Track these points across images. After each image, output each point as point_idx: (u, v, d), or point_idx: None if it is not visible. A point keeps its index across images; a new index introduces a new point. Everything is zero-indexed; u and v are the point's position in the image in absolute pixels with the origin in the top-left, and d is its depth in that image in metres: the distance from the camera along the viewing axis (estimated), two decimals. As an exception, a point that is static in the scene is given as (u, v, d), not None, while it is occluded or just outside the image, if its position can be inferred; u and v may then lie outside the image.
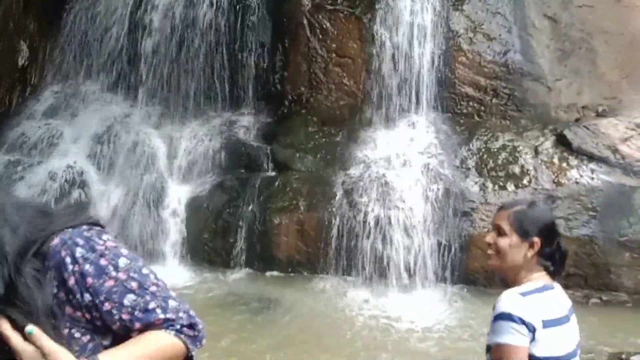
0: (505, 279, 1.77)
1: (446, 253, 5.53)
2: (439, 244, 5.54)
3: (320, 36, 6.93)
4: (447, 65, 6.65)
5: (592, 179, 5.81)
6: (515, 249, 1.73)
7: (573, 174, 5.86)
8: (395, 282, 5.38)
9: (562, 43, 6.71)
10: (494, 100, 6.59)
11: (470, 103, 6.62)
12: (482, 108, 6.58)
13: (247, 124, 6.80)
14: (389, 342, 4.44)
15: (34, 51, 7.32)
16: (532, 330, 1.57)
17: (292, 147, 6.51)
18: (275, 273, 5.65)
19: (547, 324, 1.60)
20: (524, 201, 1.96)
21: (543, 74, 6.57)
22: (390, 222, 5.55)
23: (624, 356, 4.17)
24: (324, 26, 6.94)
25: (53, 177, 6.14)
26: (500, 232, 1.77)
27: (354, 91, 6.87)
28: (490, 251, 1.79)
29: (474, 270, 5.54)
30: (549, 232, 1.74)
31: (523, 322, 1.57)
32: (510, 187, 5.86)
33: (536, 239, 1.72)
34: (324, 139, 6.57)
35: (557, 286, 1.73)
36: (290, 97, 7.01)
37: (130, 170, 6.17)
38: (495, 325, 1.60)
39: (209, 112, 6.95)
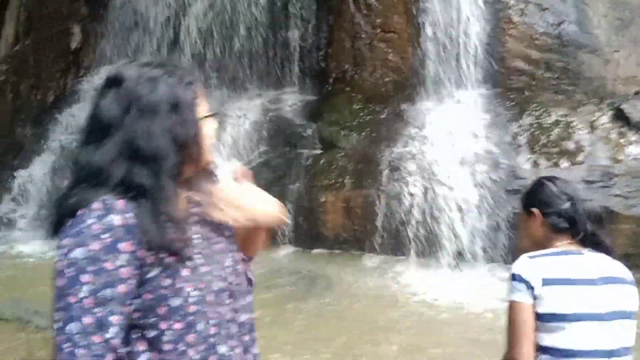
0: None
1: (496, 232, 5.41)
2: (489, 222, 5.42)
3: (365, 11, 6.82)
4: (497, 39, 6.44)
5: (652, 155, 5.55)
6: (525, 225, 1.85)
7: (631, 150, 5.60)
8: (443, 261, 5.31)
9: (621, 12, 6.37)
10: (547, 74, 6.34)
11: (521, 77, 6.40)
12: (534, 82, 6.35)
13: (291, 102, 6.80)
14: (436, 323, 4.40)
15: (85, 35, 7.51)
16: (530, 287, 1.64)
17: (337, 124, 6.48)
18: (321, 250, 5.68)
19: (548, 282, 1.64)
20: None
21: (599, 45, 6.27)
22: (438, 200, 5.46)
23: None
24: (369, 1, 6.81)
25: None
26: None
27: (400, 67, 6.75)
28: None
29: (524, 250, 5.40)
30: (548, 199, 1.79)
31: (522, 279, 1.65)
32: (564, 163, 5.66)
33: (534, 210, 1.79)
34: (369, 117, 6.50)
35: (588, 252, 1.74)
36: (334, 75, 6.95)
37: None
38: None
39: (253, 90, 6.99)
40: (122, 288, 1.08)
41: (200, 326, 1.16)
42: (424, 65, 6.51)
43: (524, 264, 1.69)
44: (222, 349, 1.19)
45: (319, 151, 6.33)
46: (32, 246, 5.67)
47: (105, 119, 1.14)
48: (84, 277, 1.06)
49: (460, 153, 5.77)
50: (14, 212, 6.20)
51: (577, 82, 6.27)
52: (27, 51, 7.42)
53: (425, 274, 5.15)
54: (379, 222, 5.53)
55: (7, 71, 7.39)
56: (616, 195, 5.40)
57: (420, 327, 4.32)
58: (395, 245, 5.49)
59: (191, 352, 1.14)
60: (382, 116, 6.43)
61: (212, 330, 1.17)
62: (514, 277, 1.67)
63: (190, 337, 1.14)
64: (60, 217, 1.11)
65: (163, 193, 1.12)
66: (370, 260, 5.39)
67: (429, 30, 6.51)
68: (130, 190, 1.11)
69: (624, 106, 5.85)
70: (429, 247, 5.40)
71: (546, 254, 1.72)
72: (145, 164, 1.12)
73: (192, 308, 1.15)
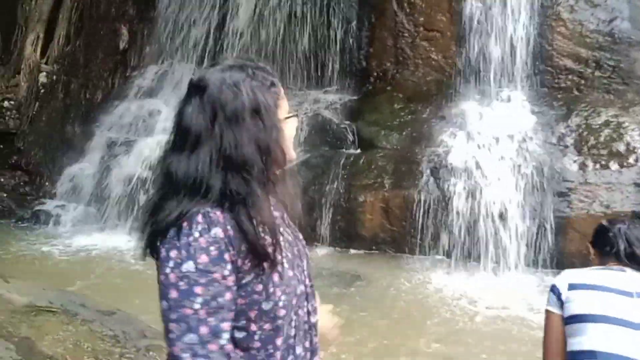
0: None
1: (540, 235, 5.25)
2: (532, 225, 5.27)
3: (408, 10, 6.73)
4: (544, 37, 6.25)
5: None
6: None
7: (688, 152, 5.34)
8: (484, 264, 5.20)
9: (678, 7, 6.07)
10: (597, 73, 6.11)
11: (570, 76, 6.19)
12: (583, 81, 6.13)
13: (331, 101, 6.79)
14: (475, 326, 4.31)
15: (133, 35, 7.71)
16: (557, 293, 1.69)
17: (377, 124, 6.43)
18: (359, 251, 5.66)
19: (574, 286, 1.67)
20: None
21: (655, 43, 5.99)
22: (480, 203, 5.35)
23: None
24: (412, 0, 6.73)
25: (151, 155, 6.48)
26: None
27: (442, 66, 6.64)
28: None
29: (570, 254, 5.23)
30: (597, 236, 1.93)
31: (553, 286, 1.72)
32: (614, 165, 5.44)
33: (590, 247, 1.96)
34: (410, 116, 6.43)
35: (631, 271, 1.77)
36: (375, 74, 6.90)
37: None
38: None
39: (294, 89, 7.01)
40: (228, 296, 1.13)
41: (286, 329, 1.20)
42: (467, 64, 6.39)
43: (561, 275, 1.74)
44: (298, 349, 1.24)
45: (358, 151, 6.30)
46: (80, 241, 5.89)
47: (193, 128, 1.16)
48: (197, 289, 1.10)
49: (504, 154, 5.63)
50: (62, 207, 6.45)
51: (628, 81, 6.02)
52: (77, 51, 7.70)
53: (465, 278, 5.06)
54: (418, 224, 5.46)
55: (59, 71, 7.68)
56: (670, 200, 5.17)
57: (456, 333, 4.24)
58: (435, 247, 5.42)
59: (278, 355, 1.19)
60: (424, 116, 6.34)
61: (292, 332, 1.22)
62: (551, 288, 1.74)
63: (278, 340, 1.19)
64: (160, 230, 1.15)
65: (255, 200, 1.15)
66: (408, 262, 5.33)
67: (473, 29, 6.37)
68: (225, 199, 1.14)
69: (680, 107, 5.58)
70: (470, 250, 5.30)
71: (586, 268, 1.78)
72: (237, 173, 1.14)
73: (282, 312, 1.18)
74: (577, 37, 6.15)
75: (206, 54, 7.27)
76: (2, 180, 6.98)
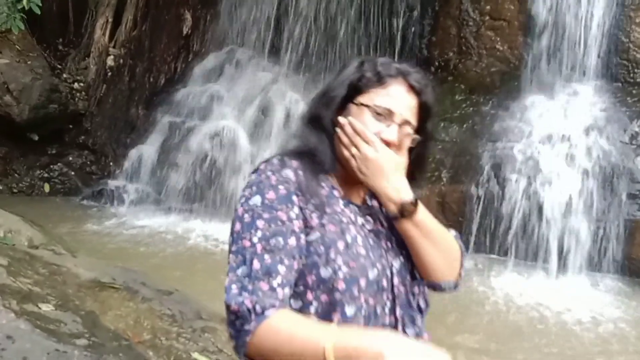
0: None
1: (605, 238, 5.00)
2: (598, 227, 5.02)
3: (474, -3, 6.52)
4: (621, 28, 5.89)
5: None
6: None
7: None
8: (544, 265, 5.00)
9: None
10: (677, 68, 5.72)
11: (647, 71, 5.83)
12: (661, 77, 5.76)
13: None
14: (533, 329, 4.17)
15: (196, 20, 7.85)
16: None
17: (437, 115, 6.26)
18: (413, 245, 5.56)
19: None
20: None
21: None
22: (542, 202, 5.13)
23: None
24: (479, -13, 6.50)
25: (211, 138, 6.61)
26: None
27: (508, 57, 6.39)
28: None
29: (637, 259, 4.96)
30: None
31: None
32: (691, 168, 5.10)
33: None
34: (471, 108, 6.24)
35: None
36: (437, 63, 6.73)
37: (279, 134, 6.42)
38: None
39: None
40: (292, 241, 1.10)
41: (349, 310, 1.11)
42: (535, 56, 6.12)
43: None
44: None
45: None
46: (141, 221, 6.10)
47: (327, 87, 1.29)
48: (259, 222, 1.10)
49: (570, 151, 5.38)
50: (125, 187, 6.69)
51: None
52: (143, 36, 7.92)
53: (523, 279, 4.89)
54: (475, 220, 5.31)
55: (125, 55, 7.93)
56: None
57: (514, 332, 4.12)
58: (492, 246, 5.25)
59: (364, 299, 1.13)
60: (486, 108, 6.14)
61: (362, 322, 1.13)
62: None
63: (335, 316, 1.10)
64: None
65: (324, 156, 1.20)
66: (465, 260, 5.18)
67: (543, 19, 6.09)
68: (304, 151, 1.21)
69: None
70: (529, 250, 5.11)
71: None
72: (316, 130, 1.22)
73: (341, 285, 1.11)
74: (657, 29, 5.78)
75: (268, 41, 7.31)
76: (70, 159, 7.31)
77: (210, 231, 5.59)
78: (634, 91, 5.79)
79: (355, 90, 1.25)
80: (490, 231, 5.26)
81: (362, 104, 1.23)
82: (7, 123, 6.73)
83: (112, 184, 6.74)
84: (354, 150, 1.20)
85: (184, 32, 7.96)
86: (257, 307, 1.02)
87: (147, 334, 2.64)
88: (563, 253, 4.99)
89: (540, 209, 5.12)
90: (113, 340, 2.32)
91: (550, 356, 3.78)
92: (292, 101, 6.61)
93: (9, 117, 6.71)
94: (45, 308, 2.37)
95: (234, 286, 1.05)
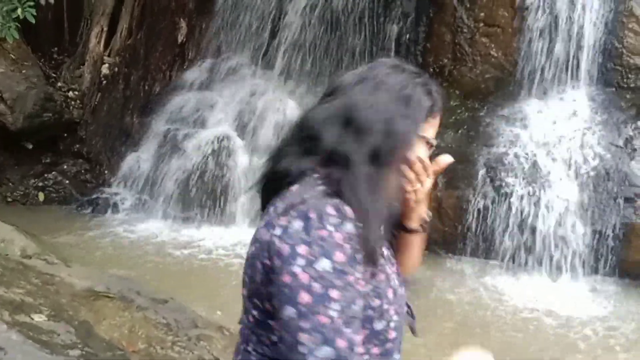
0: None
1: (601, 242, 5.01)
2: (593, 231, 5.03)
3: (468, 4, 6.54)
4: (614, 33, 5.92)
5: None
6: None
7: None
8: (540, 270, 5.00)
9: None
10: (670, 73, 5.75)
11: (640, 76, 5.85)
12: (655, 81, 5.79)
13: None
14: (529, 334, 4.16)
15: (191, 28, 7.86)
16: None
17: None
18: (410, 251, 5.55)
19: None
20: None
21: None
22: (537, 205, 5.14)
23: None
24: (472, -7, 6.54)
25: (206, 146, 6.60)
26: None
27: (502, 63, 6.41)
28: None
29: (633, 263, 4.96)
30: None
31: None
32: (685, 172, 5.12)
33: None
34: (466, 114, 6.25)
35: None
36: (431, 70, 6.74)
37: (272, 139, 6.42)
38: None
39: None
40: (360, 303, 0.98)
41: (395, 356, 1.09)
42: (529, 62, 6.14)
43: None
44: None
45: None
46: (136, 229, 6.07)
47: (339, 83, 1.11)
48: (334, 293, 0.93)
49: (565, 156, 5.39)
50: (120, 195, 6.67)
51: None
52: (138, 44, 7.92)
53: (519, 283, 4.89)
54: (472, 225, 5.31)
55: (120, 63, 7.93)
56: None
57: (510, 338, 4.11)
58: (488, 250, 5.25)
59: None
60: (481, 114, 6.16)
61: (397, 357, 1.12)
62: None
63: None
64: (272, 182, 1.06)
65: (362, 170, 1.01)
66: (460, 264, 5.19)
67: (536, 25, 6.12)
68: (333, 161, 1.01)
69: None
70: (525, 254, 5.11)
71: None
72: (354, 135, 1.02)
73: (392, 334, 1.06)
74: (650, 33, 5.81)
75: (263, 48, 7.32)
76: (65, 167, 7.29)
77: (206, 239, 5.57)
78: (627, 96, 5.82)
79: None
80: (486, 236, 5.26)
81: (421, 136, 1.15)
82: (1, 132, 6.72)
83: (107, 192, 6.71)
84: (418, 185, 1.13)
85: (179, 40, 7.96)
86: None
87: (142, 343, 2.62)
88: (559, 257, 4.99)
89: (536, 213, 5.12)
90: (107, 351, 2.31)
91: (545, 358, 3.77)
92: (287, 108, 6.61)
93: (3, 126, 6.69)
94: (38, 318, 2.36)
95: (313, 356, 0.92)
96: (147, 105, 7.51)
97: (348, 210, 0.98)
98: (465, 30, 6.59)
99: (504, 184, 5.35)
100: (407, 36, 6.91)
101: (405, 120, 1.09)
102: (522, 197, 5.22)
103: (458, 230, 5.40)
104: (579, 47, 5.91)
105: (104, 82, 7.85)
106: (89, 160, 7.40)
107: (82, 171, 7.32)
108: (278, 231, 0.97)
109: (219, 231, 5.64)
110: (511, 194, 5.27)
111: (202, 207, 6.19)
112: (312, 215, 0.95)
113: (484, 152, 5.68)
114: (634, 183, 5.14)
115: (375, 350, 1.05)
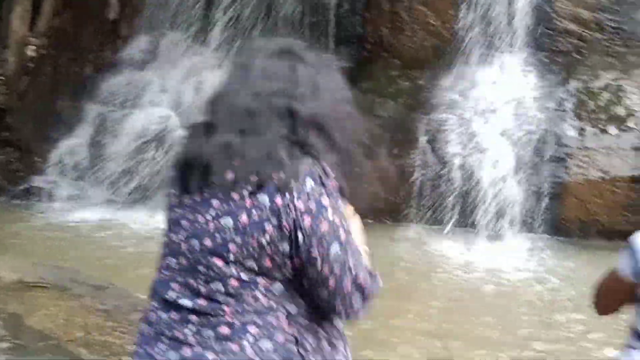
0: None
1: (537, 201, 5.21)
2: (530, 191, 5.23)
3: (404, -27, 6.55)
4: (545, -1, 6.08)
5: None
6: None
7: (688, 115, 5.25)
8: (482, 231, 5.17)
9: (682, -35, 5.89)
10: (598, 36, 5.97)
11: (570, 39, 6.04)
12: (583, 44, 5.99)
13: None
14: (473, 292, 4.31)
15: (122, 5, 7.52)
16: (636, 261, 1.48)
17: (373, 92, 6.31)
18: (356, 221, 5.61)
19: None
20: None
21: (657, 3, 5.84)
22: (477, 169, 5.28)
23: None
24: (409, -38, 6.54)
25: (144, 127, 6.39)
26: None
27: (440, 31, 6.48)
28: None
29: (567, 219, 5.20)
30: None
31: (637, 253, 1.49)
32: (613, 130, 5.36)
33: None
34: (406, 83, 6.31)
35: None
36: (371, 40, 6.75)
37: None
38: None
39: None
40: None
41: None
42: (465, 29, 6.23)
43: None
44: None
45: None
46: (72, 216, 5.85)
47: (313, 83, 1.22)
48: (347, 226, 1.18)
49: (501, 120, 5.54)
50: (54, 183, 6.39)
51: (630, 43, 5.88)
52: (66, 24, 7.52)
53: (462, 244, 5.04)
54: (415, 192, 5.41)
55: (48, 45, 7.52)
56: (669, 164, 5.10)
57: (454, 297, 4.24)
58: (432, 216, 5.38)
59: None
60: (421, 82, 6.23)
61: None
62: (633, 253, 1.49)
63: None
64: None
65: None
66: (406, 231, 5.29)
67: (472, -8, 6.20)
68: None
69: (682, 68, 5.46)
70: (467, 218, 5.26)
71: None
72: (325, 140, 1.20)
73: None
74: (578, -2, 6.00)
75: (199, 23, 7.10)
76: (-7, 157, 6.92)
77: (147, 222, 5.42)
78: (558, 59, 6.01)
79: None
80: (429, 202, 5.38)
81: None
82: None
83: (40, 180, 6.41)
84: None
85: (111, 18, 7.62)
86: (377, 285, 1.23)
87: (79, 332, 2.54)
88: (499, 219, 5.17)
89: (475, 178, 5.26)
90: (39, 341, 2.22)
91: (489, 316, 3.92)
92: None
93: None
94: (-37, 314, 2.23)
95: (370, 281, 1.19)
96: (79, 88, 7.17)
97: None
98: (403, -2, 6.61)
99: (444, 150, 5.45)
100: (346, 6, 6.86)
101: (358, 125, 1.29)
102: (461, 163, 5.35)
103: (402, 198, 5.48)
104: (513, 14, 6.04)
105: (31, 65, 7.44)
106: (19, 149, 7.03)
107: (12, 160, 6.96)
108: (295, 194, 1.13)
109: (160, 214, 5.47)
110: (451, 160, 5.39)
111: (143, 191, 6.02)
112: (319, 171, 1.16)
113: (425, 120, 5.76)
114: (565, 143, 5.35)
115: None
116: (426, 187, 5.41)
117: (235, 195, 1.14)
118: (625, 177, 5.15)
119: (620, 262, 1.51)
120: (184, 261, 1.17)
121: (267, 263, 1.14)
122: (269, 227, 1.12)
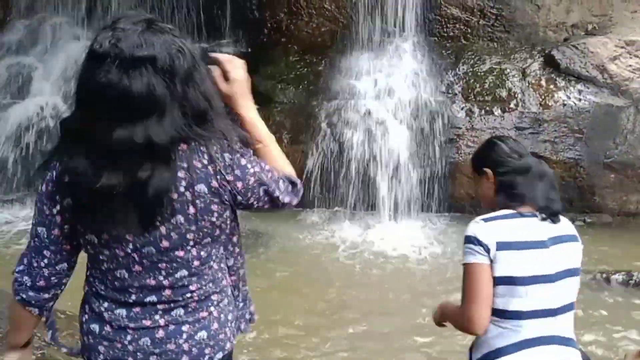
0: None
1: (432, 181, 5.50)
2: (425, 172, 5.49)
3: (298, -43, 6.54)
4: (433, -15, 6.34)
5: (579, 100, 5.71)
6: (479, 185, 1.83)
7: (560, 95, 5.75)
8: (382, 213, 5.37)
9: (553, -43, 6.38)
10: (481, 22, 6.33)
11: (457, 25, 6.37)
12: (469, 30, 6.34)
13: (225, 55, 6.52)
14: (374, 274, 4.49)
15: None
16: (487, 250, 1.65)
17: (273, 78, 6.29)
18: (260, 207, 5.61)
19: (502, 246, 1.65)
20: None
21: (532, -8, 6.29)
22: (374, 153, 5.47)
23: (604, 275, 4.26)
24: (302, -54, 6.52)
25: (29, 118, 5.94)
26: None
27: (336, 16, 6.57)
28: None
29: (459, 197, 5.54)
30: (499, 158, 1.78)
31: (478, 242, 1.65)
32: (497, 111, 5.75)
33: (487, 170, 1.79)
34: (306, 69, 6.35)
35: (540, 214, 1.74)
36: (269, 25, 6.70)
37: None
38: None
39: (184, 43, 6.62)
40: None
41: None
42: (359, 15, 6.36)
43: (480, 227, 1.66)
44: None
45: (255, 106, 6.14)
46: None
47: (153, 98, 1.23)
48: (266, 165, 1.44)
49: (397, 104, 5.75)
50: None
51: (510, 29, 6.31)
52: None
53: (364, 227, 5.21)
54: (317, 177, 5.50)
55: None
56: (545, 141, 5.57)
57: (356, 279, 4.39)
58: (334, 200, 5.50)
59: None
60: (319, 68, 6.30)
61: None
62: (471, 240, 1.66)
63: None
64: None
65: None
66: (309, 216, 5.38)
67: (364, -23, 6.32)
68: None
69: (554, 52, 5.96)
70: (367, 200, 5.45)
71: (498, 217, 1.70)
72: (203, 122, 1.30)
73: None
74: (462, -15, 6.31)
75: (83, 5, 6.66)
76: None
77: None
78: (447, 44, 6.32)
79: None
80: (331, 187, 5.49)
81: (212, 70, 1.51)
82: None
83: None
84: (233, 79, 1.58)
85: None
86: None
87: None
88: (396, 200, 5.39)
89: (374, 160, 5.44)
90: None
91: (388, 293, 4.11)
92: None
93: None
94: None
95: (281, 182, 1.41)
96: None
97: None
98: (298, -17, 6.60)
99: (343, 135, 5.58)
100: (241, -10, 6.74)
101: (204, 83, 1.32)
102: (360, 147, 5.50)
103: (305, 183, 5.55)
104: (405, 0, 6.23)
105: None
106: None
107: None
108: (223, 172, 1.32)
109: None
110: (350, 144, 5.52)
111: (28, 187, 5.60)
112: (226, 144, 1.33)
113: (325, 106, 5.85)
114: (455, 125, 5.67)
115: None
116: (328, 172, 5.52)
117: (174, 195, 1.27)
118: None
119: (473, 255, 1.64)
120: (138, 268, 1.32)
121: (217, 232, 1.35)
122: (214, 207, 1.31)
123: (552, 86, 5.84)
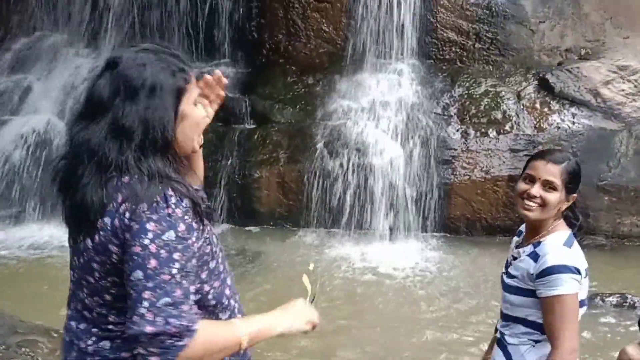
0: (533, 229, 1.82)
1: (427, 202, 5.53)
2: (420, 193, 5.53)
3: (298, -20, 6.66)
4: (429, 10, 6.45)
5: (573, 123, 5.78)
6: (561, 204, 1.80)
7: (554, 118, 5.82)
8: (377, 233, 5.39)
9: (547, -17, 6.52)
10: (477, 45, 6.44)
11: (453, 48, 6.47)
12: (465, 53, 6.44)
13: (223, 75, 6.58)
14: (370, 293, 4.49)
15: (-1, 4, 6.97)
16: (580, 280, 1.70)
17: (271, 98, 6.36)
18: (256, 227, 5.63)
19: (585, 273, 1.73)
20: (567, 156, 1.90)
21: (526, 16, 6.40)
22: (371, 173, 5.50)
23: (598, 297, 4.27)
24: (302, -30, 6.65)
25: (25, 134, 5.96)
26: (549, 187, 1.79)
27: (334, 38, 6.66)
28: (532, 203, 1.79)
29: (454, 218, 5.57)
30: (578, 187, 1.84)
31: (578, 271, 1.69)
32: (492, 133, 5.81)
33: (575, 196, 1.83)
34: (303, 89, 6.42)
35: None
36: (267, 46, 6.79)
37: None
38: (551, 278, 1.68)
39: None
40: (194, 262, 1.27)
41: (228, 280, 1.40)
42: (357, 37, 6.46)
43: (573, 255, 1.71)
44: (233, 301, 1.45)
45: (252, 126, 6.21)
46: None
47: (97, 98, 1.27)
48: (176, 255, 1.21)
49: (393, 126, 5.81)
50: None
51: (505, 52, 6.40)
52: None
53: (359, 247, 5.22)
54: (313, 197, 5.53)
55: None
56: (540, 164, 5.61)
57: (352, 299, 4.38)
58: (331, 220, 5.52)
59: (232, 302, 1.40)
60: (317, 89, 6.37)
61: (229, 281, 1.43)
62: (570, 270, 1.66)
63: (227, 291, 1.38)
64: (91, 203, 1.23)
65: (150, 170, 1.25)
66: (306, 235, 5.40)
67: (362, 1, 6.43)
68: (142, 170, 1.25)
69: (548, 76, 6.05)
70: (364, 220, 5.46)
71: (572, 240, 1.76)
72: (128, 143, 1.24)
73: (221, 267, 1.37)
74: (458, 10, 6.42)
75: (85, 24, 6.74)
76: None
77: (27, 238, 5.05)
78: (443, 67, 6.41)
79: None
80: (328, 206, 5.52)
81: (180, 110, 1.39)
82: None
83: None
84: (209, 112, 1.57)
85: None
86: (190, 325, 1.21)
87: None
88: (393, 220, 5.42)
89: (370, 181, 5.48)
90: None
91: (386, 312, 4.11)
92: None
93: None
94: None
95: (158, 319, 1.18)
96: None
97: (184, 189, 1.25)
98: (297, 5, 6.70)
99: (340, 155, 5.62)
100: (241, 11, 6.85)
101: (156, 112, 1.27)
102: (357, 167, 5.54)
103: (302, 203, 5.58)
104: (400, 23, 6.34)
105: None
106: None
107: None
108: (127, 215, 1.21)
109: (49, 230, 5.15)
110: (347, 165, 5.56)
111: (26, 203, 5.61)
112: (157, 198, 1.22)
113: (321, 126, 5.90)
114: (450, 146, 5.72)
115: (217, 284, 1.35)
116: (324, 192, 5.55)
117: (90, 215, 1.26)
118: (504, 176, 5.61)
119: (573, 285, 1.67)
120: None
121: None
122: (112, 247, 1.24)
123: (546, 109, 5.91)
